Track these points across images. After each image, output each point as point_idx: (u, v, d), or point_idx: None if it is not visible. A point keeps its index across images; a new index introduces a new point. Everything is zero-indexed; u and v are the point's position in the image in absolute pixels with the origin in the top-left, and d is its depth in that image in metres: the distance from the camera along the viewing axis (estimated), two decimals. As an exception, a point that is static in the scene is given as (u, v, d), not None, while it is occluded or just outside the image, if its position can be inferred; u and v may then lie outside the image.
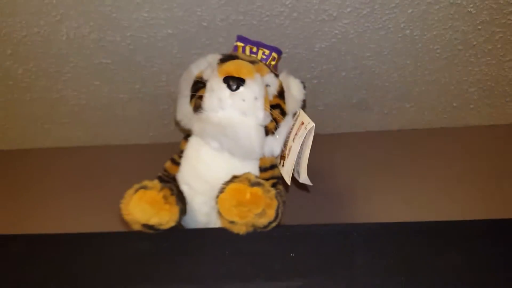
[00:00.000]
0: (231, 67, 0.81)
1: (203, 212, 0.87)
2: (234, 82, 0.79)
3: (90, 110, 1.37)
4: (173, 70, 1.22)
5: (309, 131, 0.81)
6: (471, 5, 1.02)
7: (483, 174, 1.30)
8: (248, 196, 0.72)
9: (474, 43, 1.11)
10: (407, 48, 1.13)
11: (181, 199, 0.84)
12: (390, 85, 1.25)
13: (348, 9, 1.04)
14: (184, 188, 0.88)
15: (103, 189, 1.42)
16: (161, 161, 1.43)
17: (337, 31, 1.09)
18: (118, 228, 1.26)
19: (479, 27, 1.07)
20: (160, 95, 1.30)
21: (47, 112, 1.37)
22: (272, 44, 1.12)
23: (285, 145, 0.88)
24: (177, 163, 0.92)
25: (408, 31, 1.09)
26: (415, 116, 1.36)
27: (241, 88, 0.80)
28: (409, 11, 1.04)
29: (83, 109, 1.36)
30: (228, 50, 1.15)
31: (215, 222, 0.87)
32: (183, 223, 0.87)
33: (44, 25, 1.08)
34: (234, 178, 0.77)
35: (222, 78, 0.80)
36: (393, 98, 1.29)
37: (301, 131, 0.83)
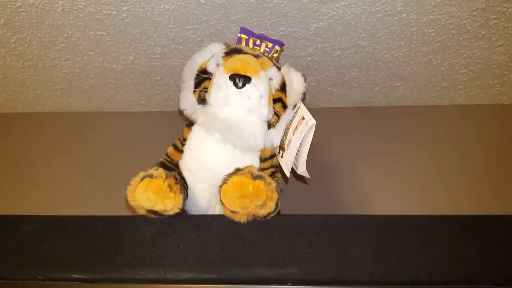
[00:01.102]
0: (238, 65, 0.82)
1: (204, 198, 0.90)
2: (240, 80, 0.81)
3: (83, 78, 1.37)
4: (168, 44, 1.21)
5: (310, 127, 0.84)
6: (468, -7, 1.03)
7: (468, 151, 1.37)
8: (250, 189, 0.75)
9: (469, 28, 1.13)
10: (402, 31, 1.15)
11: (184, 187, 0.87)
12: (383, 64, 1.27)
13: (347, -8, 1.04)
14: (186, 175, 0.91)
15: (92, 153, 1.45)
16: (151, 129, 1.47)
17: (334, 12, 1.10)
18: (104, 188, 1.35)
19: (475, 13, 1.09)
20: (154, 67, 1.30)
21: (39, 78, 1.37)
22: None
23: (284, 135, 0.91)
24: (179, 150, 0.94)
25: (404, 15, 1.10)
26: (404, 93, 1.40)
27: (247, 86, 0.81)
28: (407, -4, 1.05)
29: (75, 76, 1.36)
30: (223, 27, 1.16)
31: (214, 207, 0.91)
32: (184, 207, 0.90)
33: (40, -3, 1.07)
34: (237, 170, 0.79)
35: (229, 75, 0.81)
36: (385, 76, 1.32)
37: (301, 126, 0.85)
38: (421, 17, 1.11)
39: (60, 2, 1.08)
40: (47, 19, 1.14)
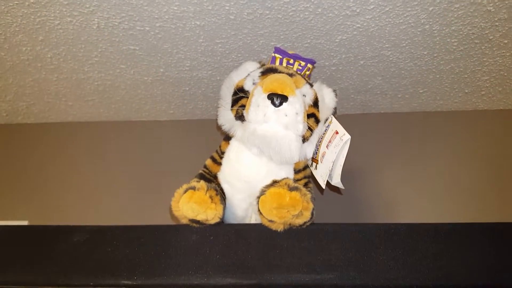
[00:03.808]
0: (275, 84, 0.88)
1: (242, 208, 0.95)
2: (278, 99, 0.86)
3: (114, 90, 1.42)
4: (197, 57, 1.26)
5: (345, 142, 0.88)
6: (491, 4, 1.06)
7: (490, 154, 1.40)
8: (287, 199, 0.80)
9: (491, 37, 1.16)
10: (425, 41, 1.18)
11: (223, 197, 0.92)
12: (406, 72, 1.30)
13: (371, 6, 1.08)
14: (224, 186, 0.96)
15: (120, 160, 1.52)
16: (179, 137, 1.52)
17: (359, 25, 1.14)
18: (135, 194, 1.41)
19: (497, 23, 1.12)
20: (183, 78, 1.35)
21: (72, 90, 1.43)
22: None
23: (316, 148, 0.95)
24: (217, 163, 1.00)
25: (427, 26, 1.13)
26: (427, 100, 1.43)
27: (284, 105, 0.86)
28: (430, 8, 1.08)
29: (107, 88, 1.41)
30: (251, 41, 1.20)
31: (250, 216, 0.96)
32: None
33: (77, 15, 1.12)
34: (275, 182, 0.85)
35: (267, 94, 0.87)
36: (408, 84, 1.35)
37: (335, 140, 0.89)
38: (444, 28, 1.14)
39: (96, 19, 1.14)
40: (83, 35, 1.19)
